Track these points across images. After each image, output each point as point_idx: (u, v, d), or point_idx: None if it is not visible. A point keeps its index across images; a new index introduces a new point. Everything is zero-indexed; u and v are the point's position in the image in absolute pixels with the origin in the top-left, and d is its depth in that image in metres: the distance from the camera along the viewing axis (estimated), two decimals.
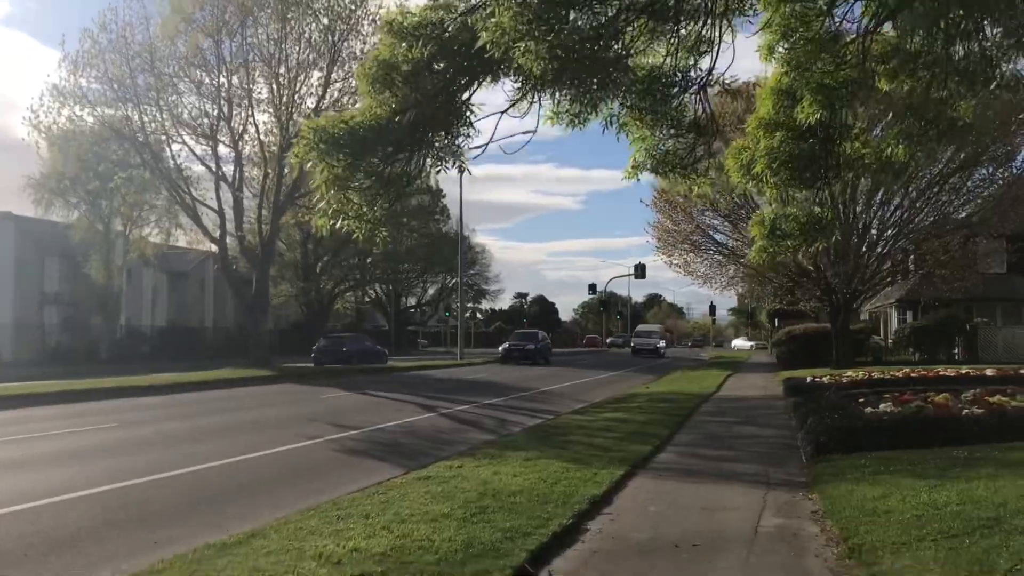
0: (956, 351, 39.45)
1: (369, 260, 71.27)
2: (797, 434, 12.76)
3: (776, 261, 29.45)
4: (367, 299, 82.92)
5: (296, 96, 33.98)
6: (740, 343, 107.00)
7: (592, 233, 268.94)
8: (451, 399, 22.16)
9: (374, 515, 7.20)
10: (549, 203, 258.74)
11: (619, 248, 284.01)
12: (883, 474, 8.43)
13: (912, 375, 21.61)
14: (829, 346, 35.06)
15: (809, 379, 23.36)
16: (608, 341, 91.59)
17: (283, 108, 33.58)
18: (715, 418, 16.87)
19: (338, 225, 7.06)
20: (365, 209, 6.91)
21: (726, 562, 5.87)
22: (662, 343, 66.40)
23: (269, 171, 34.80)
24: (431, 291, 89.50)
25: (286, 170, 31.21)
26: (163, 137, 34.40)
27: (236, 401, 21.05)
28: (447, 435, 14.73)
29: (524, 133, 7.23)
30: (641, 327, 73.99)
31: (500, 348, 49.17)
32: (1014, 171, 29.57)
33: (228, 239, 35.91)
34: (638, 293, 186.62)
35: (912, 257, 33.28)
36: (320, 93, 34.30)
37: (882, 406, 12.74)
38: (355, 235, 7.21)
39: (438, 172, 6.98)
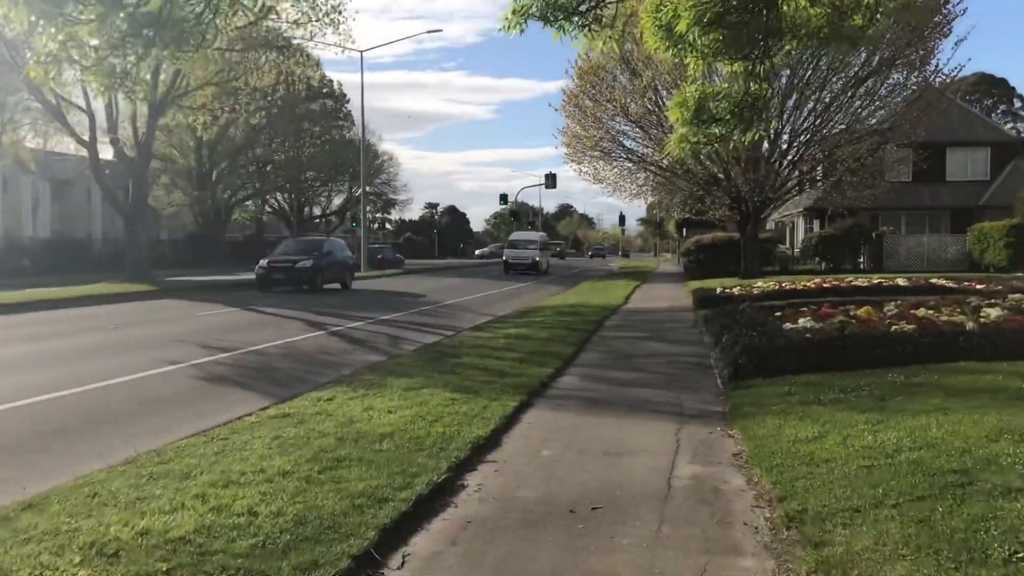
0: (861, 260, 39.56)
1: (269, 167, 67.87)
2: (711, 352, 11.68)
3: (698, 155, 28.49)
4: (268, 209, 79.38)
5: None
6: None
7: (506, 143, 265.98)
8: (345, 315, 20.55)
9: (196, 474, 5.68)
10: (462, 112, 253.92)
11: (533, 159, 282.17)
12: (813, 404, 7.30)
13: (825, 285, 20.93)
14: (737, 256, 34.53)
15: (719, 290, 22.55)
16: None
17: None
18: (622, 333, 15.77)
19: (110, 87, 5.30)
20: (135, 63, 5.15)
21: (632, 536, 4.58)
22: (540, 256, 48.82)
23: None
24: (337, 201, 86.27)
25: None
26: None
27: (98, 320, 18.98)
28: (331, 356, 13.21)
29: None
30: (517, 235, 54.52)
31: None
32: (927, 76, 28.90)
33: (102, 143, 32.81)
34: (550, 203, 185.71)
35: (823, 165, 32.60)
36: None
37: (802, 321, 11.73)
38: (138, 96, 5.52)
39: (235, 14, 5.23)
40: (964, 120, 42.21)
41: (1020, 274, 32.64)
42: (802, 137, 30.49)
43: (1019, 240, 33.82)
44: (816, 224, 43.72)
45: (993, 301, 12.61)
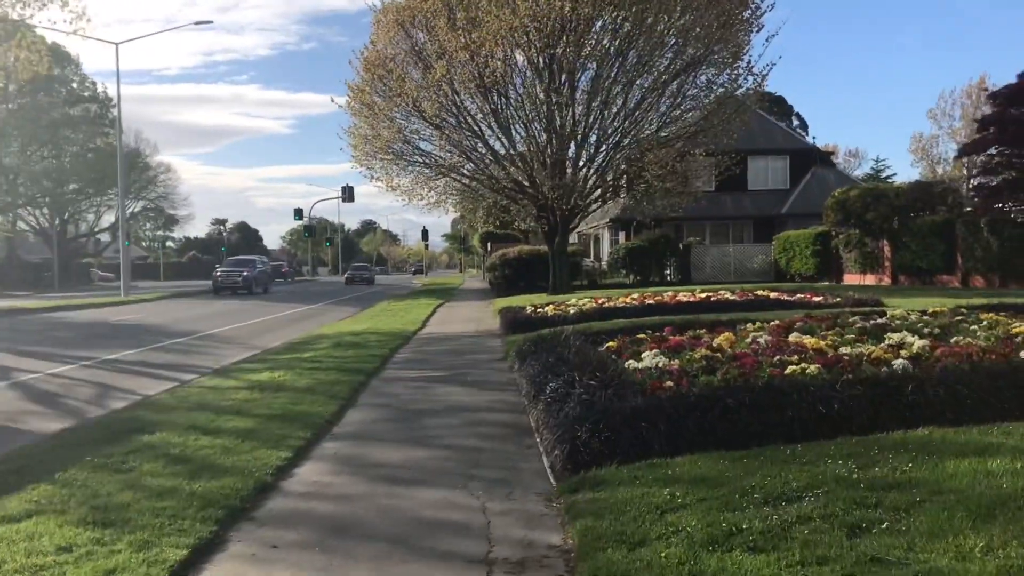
0: (669, 272, 38.07)
1: (18, 178, 59.28)
2: (530, 408, 8.21)
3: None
4: (25, 227, 69.74)
5: None
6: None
7: (305, 159, 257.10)
8: (62, 354, 15.74)
9: None
10: (256, 126, 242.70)
11: (333, 175, 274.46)
12: (734, 547, 3.88)
13: (648, 301, 18.15)
14: (545, 270, 31.82)
15: (530, 309, 19.37)
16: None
17: None
18: (412, 372, 12.09)
19: None
20: None
21: None
22: (246, 273, 42.52)
23: None
24: (109, 217, 77.37)
25: None
26: None
27: None
28: None
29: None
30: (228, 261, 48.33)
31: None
32: (738, 76, 27.25)
33: None
34: (352, 220, 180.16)
35: (631, 171, 30.40)
36: None
37: (648, 356, 8.53)
38: None
39: None
40: (764, 128, 41.80)
41: (827, 282, 31.91)
42: (611, 139, 28.07)
43: (825, 248, 33.12)
44: (622, 236, 42.00)
45: (879, 321, 9.91)
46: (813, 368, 6.87)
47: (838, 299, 17.37)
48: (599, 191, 30.49)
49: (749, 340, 9.33)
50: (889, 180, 65.70)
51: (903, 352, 7.33)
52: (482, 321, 21.66)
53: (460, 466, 6.48)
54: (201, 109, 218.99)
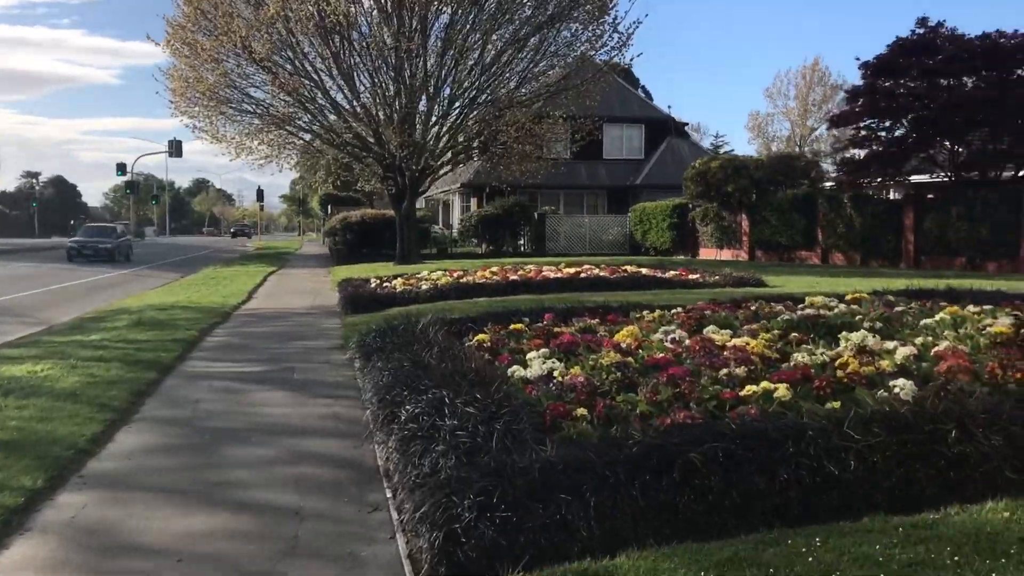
0: (522, 242, 36.27)
1: None
2: (376, 435, 5.84)
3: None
4: None
5: None
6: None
7: (133, 112, 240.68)
8: None
9: None
10: (80, 74, 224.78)
11: (165, 130, 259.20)
12: None
13: (512, 277, 16.02)
14: (391, 236, 29.31)
15: (374, 282, 16.93)
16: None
17: None
18: (224, 366, 9.45)
19: None
20: None
21: None
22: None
23: None
24: None
25: None
26: None
27: None
28: None
29: None
30: None
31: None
32: (602, 35, 25.38)
33: None
34: (184, 178, 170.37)
35: (485, 133, 28.11)
36: None
37: (536, 360, 6.39)
38: None
39: None
40: (620, 95, 40.44)
41: (683, 256, 30.92)
42: (467, 95, 25.71)
43: (682, 221, 32.08)
44: (474, 202, 39.83)
45: (807, 312, 8.10)
46: (782, 390, 4.84)
47: (716, 277, 15.82)
48: (452, 152, 28.13)
49: (658, 336, 7.29)
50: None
51: (884, 363, 5.44)
52: (319, 294, 18.96)
53: (265, 551, 4.08)
54: (17, 53, 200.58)
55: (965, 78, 21.88)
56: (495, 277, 16.06)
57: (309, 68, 25.07)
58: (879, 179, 23.88)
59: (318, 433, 6.45)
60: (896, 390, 4.71)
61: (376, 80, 25.21)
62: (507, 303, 11.78)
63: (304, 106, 25.93)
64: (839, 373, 5.34)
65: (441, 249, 35.49)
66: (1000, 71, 21.27)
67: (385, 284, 16.16)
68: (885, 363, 5.44)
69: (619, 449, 3.96)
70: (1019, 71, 21.24)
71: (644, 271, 16.62)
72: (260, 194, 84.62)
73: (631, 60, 33.00)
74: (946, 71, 21.66)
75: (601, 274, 16.04)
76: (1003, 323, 6.75)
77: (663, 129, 41.46)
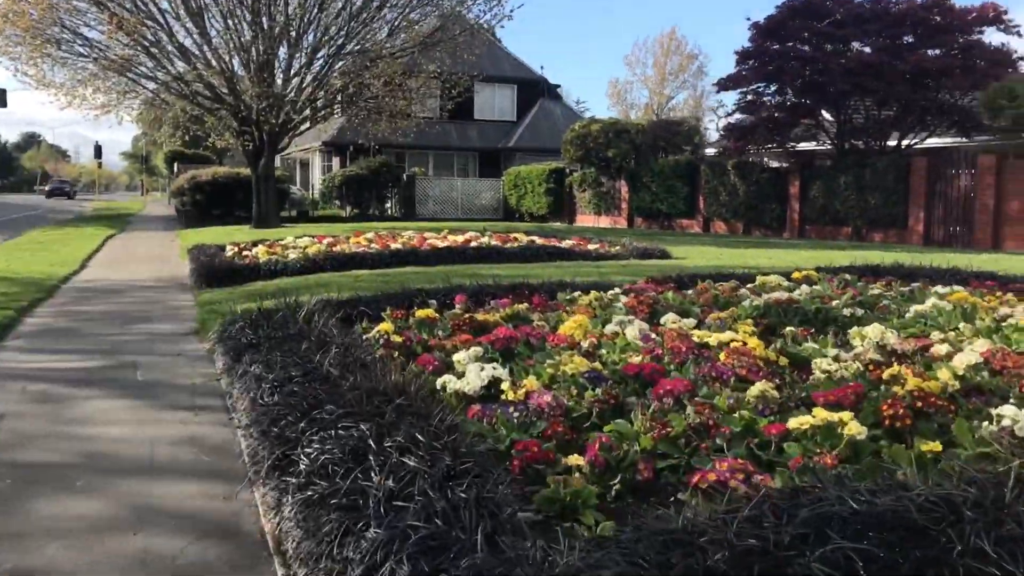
0: (389, 205, 34.31)
1: None
2: (258, 486, 4.10)
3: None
4: None
5: None
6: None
7: None
8: None
9: None
10: None
11: None
12: None
13: (392, 245, 14.24)
14: (246, 197, 26.82)
15: (231, 250, 14.79)
16: None
17: None
18: (43, 360, 7.33)
19: None
20: None
21: None
22: None
23: None
24: None
25: None
26: None
27: None
28: None
29: None
30: None
31: None
32: None
33: None
34: (11, 132, 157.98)
35: (352, 86, 25.88)
36: None
37: (469, 364, 4.86)
38: None
39: None
40: (491, 53, 38.70)
41: (560, 223, 29.81)
42: (333, 43, 23.45)
43: (559, 186, 30.92)
44: (336, 162, 37.41)
45: (776, 296, 6.79)
46: (853, 425, 3.43)
47: (617, 248, 14.57)
48: (315, 106, 25.80)
49: (613, 328, 5.82)
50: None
51: (942, 375, 4.14)
52: (166, 261, 16.59)
53: None
54: None
55: (855, 43, 21.45)
56: (373, 246, 14.25)
57: (153, 7, 22.19)
58: (766, 146, 23.31)
59: (172, 471, 4.62)
60: (1005, 421, 3.40)
61: (230, 24, 22.62)
62: (397, 278, 10.10)
63: (147, 50, 23.02)
64: (898, 391, 4.00)
65: (301, 212, 33.06)
66: (889, 37, 20.92)
67: (245, 252, 14.09)
68: (944, 374, 4.14)
69: (687, 555, 2.42)
70: (908, 37, 20.95)
71: (539, 240, 15.17)
72: (98, 150, 78.23)
73: (511, 12, 31.42)
74: (835, 35, 21.15)
75: (493, 243, 14.49)
76: None
77: (536, 90, 40.12)
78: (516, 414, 3.98)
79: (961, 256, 13.18)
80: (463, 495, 2.99)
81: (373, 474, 3.26)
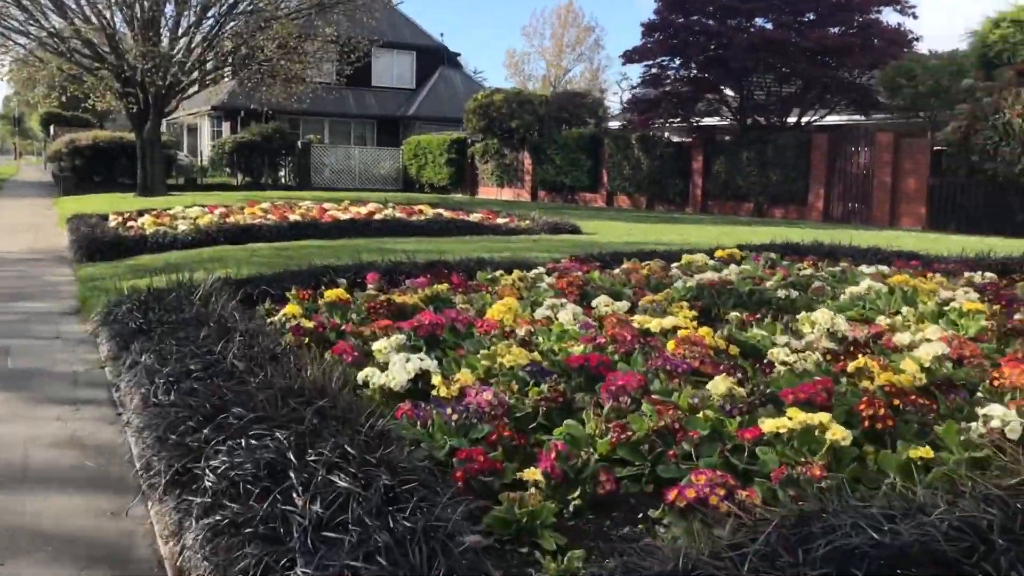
0: (283, 174, 33.07)
1: None
2: (153, 503, 3.52)
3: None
4: None
5: None
6: None
7: None
8: None
9: None
10: None
11: None
12: None
13: (291, 216, 13.47)
14: (130, 163, 25.33)
15: (114, 220, 13.77)
16: None
17: None
18: None
19: None
20: None
21: None
22: None
23: None
24: None
25: None
26: None
27: None
28: None
29: None
30: None
31: None
32: None
33: None
34: None
35: (244, 47, 24.58)
36: None
37: (392, 353, 4.43)
38: None
39: None
40: (390, 18, 37.58)
41: (462, 195, 29.26)
42: (226, 1, 22.19)
43: (461, 157, 30.31)
44: (227, 127, 35.78)
45: (707, 277, 6.49)
46: (836, 429, 3.10)
47: (527, 222, 14.16)
48: (204, 68, 24.43)
49: (544, 312, 5.40)
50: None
51: (907, 366, 3.87)
52: (40, 231, 15.36)
53: None
54: None
55: (758, 19, 21.53)
56: (270, 216, 13.44)
57: None
58: (670, 120, 23.26)
59: (49, 480, 3.97)
60: (995, 423, 3.12)
61: None
62: (299, 253, 9.45)
63: (18, 2, 21.28)
64: (867, 385, 3.71)
65: (189, 180, 31.50)
66: (791, 13, 21.07)
67: (130, 223, 13.10)
68: (910, 366, 3.87)
69: None
70: (810, 15, 21.14)
71: (446, 214, 14.61)
72: None
73: None
74: (739, 10, 21.17)
75: (398, 215, 13.87)
76: (968, 297, 5.49)
77: (436, 58, 39.23)
78: (455, 416, 3.51)
79: (867, 234, 13.29)
80: (408, 523, 2.52)
81: (296, 495, 2.75)
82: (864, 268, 7.35)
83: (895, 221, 18.24)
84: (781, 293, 6.18)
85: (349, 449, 2.97)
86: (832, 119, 22.08)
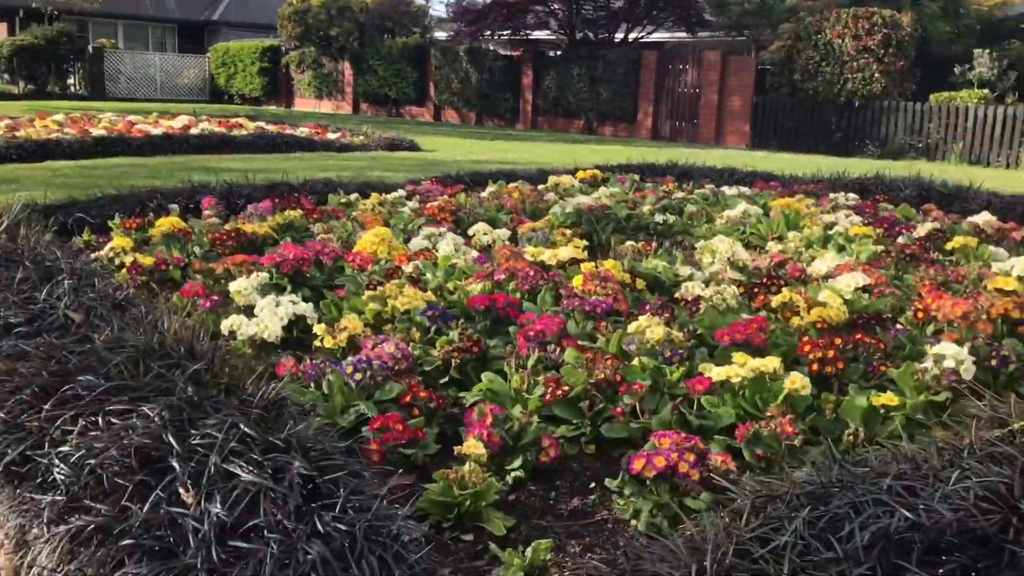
0: (73, 81, 29.95)
1: None
2: None
3: None
4: None
5: None
6: None
7: None
8: None
9: None
10: None
11: None
12: None
13: (94, 131, 12.00)
14: None
15: None
16: None
17: None
18: None
19: None
20: None
21: None
22: None
23: None
24: None
25: None
26: None
27: None
28: None
29: None
30: None
31: None
32: None
33: None
34: None
35: None
36: None
37: (255, 297, 3.80)
38: None
39: None
40: None
41: (276, 106, 27.60)
42: None
43: (275, 67, 28.45)
44: (4, 29, 31.86)
45: (583, 201, 6.12)
46: (796, 378, 2.81)
47: (361, 138, 13.30)
48: None
49: (423, 243, 4.87)
50: None
51: (829, 299, 3.66)
52: None
53: None
54: None
55: None
56: (68, 131, 11.91)
57: None
58: (500, 32, 22.59)
59: None
60: (948, 363, 2.94)
61: None
62: (111, 173, 8.32)
63: None
64: (796, 322, 3.47)
65: None
66: None
67: None
68: (833, 298, 3.66)
69: None
70: None
71: (271, 128, 13.49)
72: None
73: None
74: None
75: (217, 130, 12.65)
76: (851, 221, 5.41)
77: None
78: (357, 375, 2.97)
79: (700, 152, 13.38)
80: (342, 526, 2.00)
81: (184, 492, 2.16)
82: (726, 189, 7.22)
83: (721, 139, 18.64)
84: (659, 218, 5.92)
85: (245, 428, 2.38)
86: (660, 35, 22.13)
